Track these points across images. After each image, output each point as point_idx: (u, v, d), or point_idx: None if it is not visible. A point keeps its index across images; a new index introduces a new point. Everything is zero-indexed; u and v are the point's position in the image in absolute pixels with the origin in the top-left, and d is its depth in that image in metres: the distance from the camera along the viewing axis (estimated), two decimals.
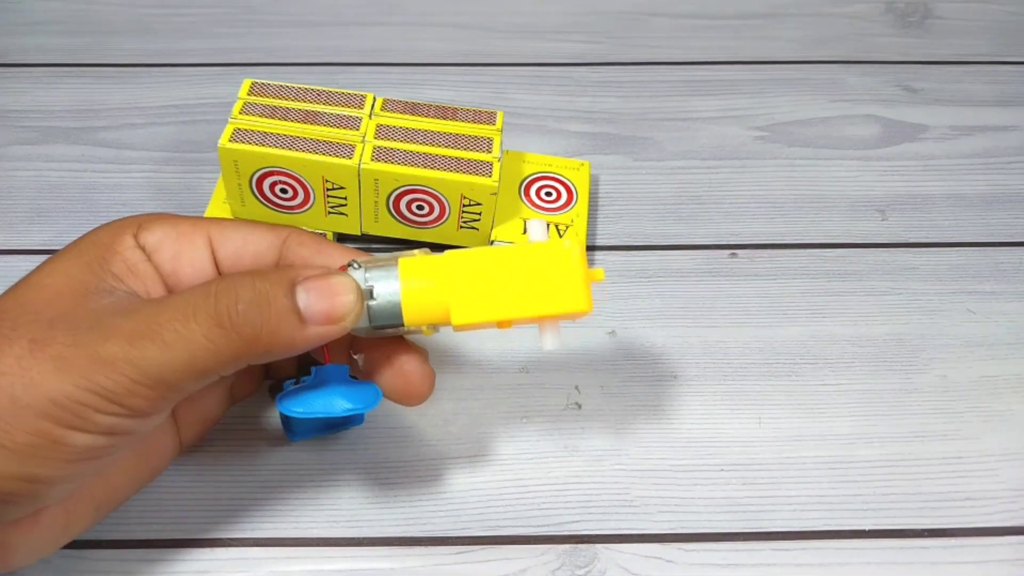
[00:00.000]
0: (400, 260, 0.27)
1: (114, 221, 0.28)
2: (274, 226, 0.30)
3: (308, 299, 0.25)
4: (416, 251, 0.28)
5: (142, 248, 0.28)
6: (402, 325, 0.27)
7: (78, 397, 0.24)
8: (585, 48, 0.53)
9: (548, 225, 0.28)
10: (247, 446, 0.35)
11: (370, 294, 0.26)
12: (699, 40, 0.53)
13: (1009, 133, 0.49)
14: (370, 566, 0.32)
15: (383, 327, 0.27)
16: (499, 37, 0.53)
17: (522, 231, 0.40)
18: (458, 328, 0.27)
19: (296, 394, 0.29)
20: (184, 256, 0.28)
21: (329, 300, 0.25)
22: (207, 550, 0.32)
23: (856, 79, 0.51)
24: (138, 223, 0.28)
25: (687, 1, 0.56)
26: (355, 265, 0.27)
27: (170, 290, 0.28)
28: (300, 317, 0.25)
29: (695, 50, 0.53)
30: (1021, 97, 0.51)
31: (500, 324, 0.27)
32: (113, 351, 0.24)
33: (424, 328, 0.27)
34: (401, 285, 0.26)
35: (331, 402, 0.28)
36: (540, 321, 0.27)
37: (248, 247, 0.29)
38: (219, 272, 0.29)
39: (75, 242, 0.28)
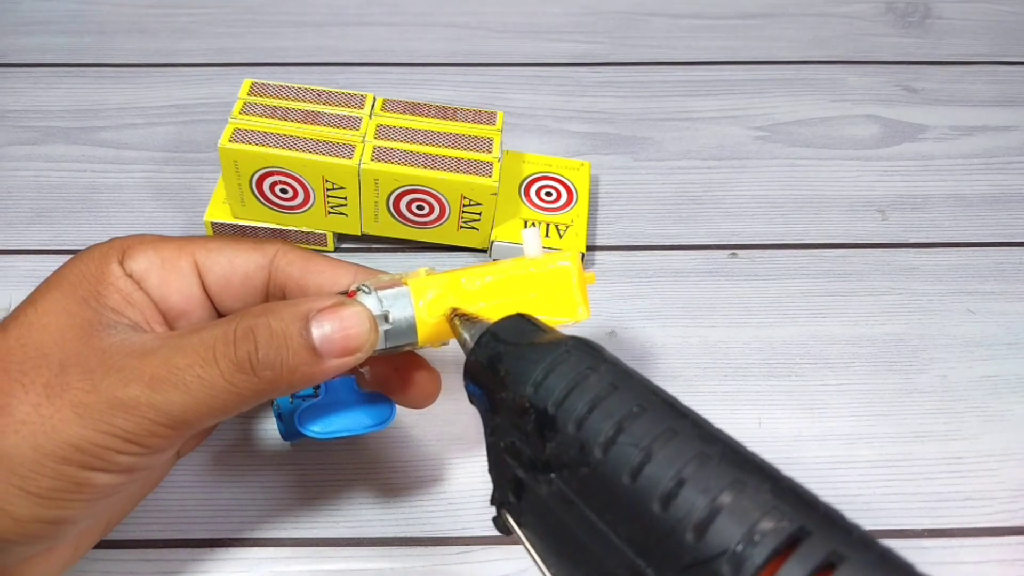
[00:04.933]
0: (409, 282, 0.27)
1: (95, 248, 0.28)
2: (260, 243, 0.29)
3: (323, 333, 0.25)
4: (420, 269, 0.28)
5: (130, 277, 0.27)
6: (416, 345, 0.27)
7: (99, 441, 0.24)
8: (585, 48, 0.53)
9: (539, 230, 0.29)
10: (247, 446, 0.35)
11: (385, 319, 0.26)
12: (699, 40, 0.53)
13: (1009, 133, 0.49)
14: (370, 566, 0.32)
15: (394, 347, 0.27)
16: (499, 37, 0.53)
17: (522, 231, 0.40)
18: None
19: (314, 413, 0.29)
20: (171, 284, 0.28)
21: (344, 333, 0.25)
22: (207, 550, 0.32)
23: (856, 79, 0.51)
24: (121, 249, 0.28)
25: (687, 1, 0.56)
26: (364, 289, 0.27)
27: (164, 316, 0.28)
28: (317, 353, 0.25)
29: (695, 50, 0.53)
30: (1021, 97, 0.51)
31: None
32: (133, 395, 0.24)
33: (434, 344, 0.28)
34: (415, 308, 0.27)
35: (352, 420, 0.29)
36: None
37: (236, 269, 0.29)
38: (208, 297, 0.29)
39: (61, 274, 0.27)
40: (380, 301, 0.26)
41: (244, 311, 0.26)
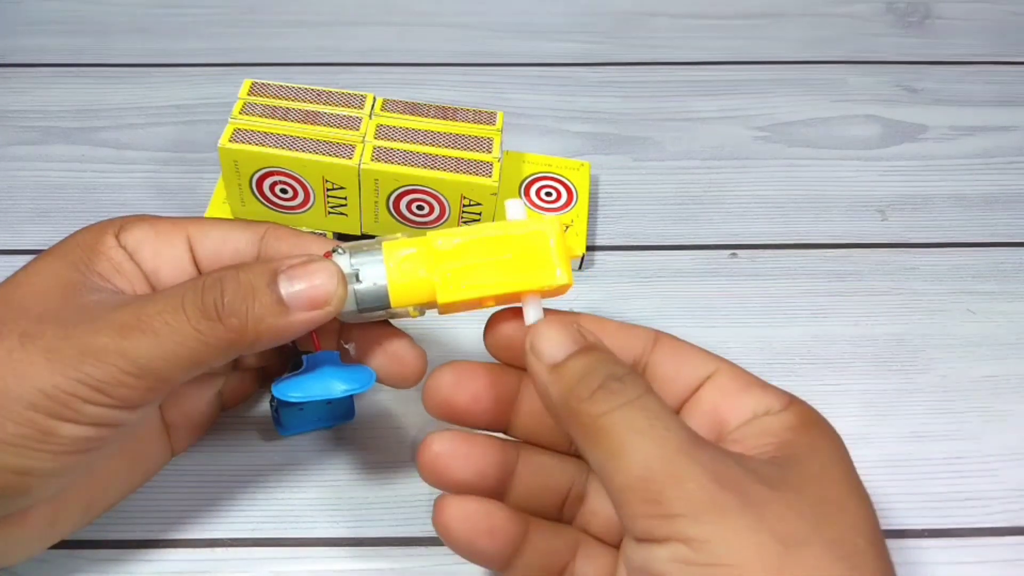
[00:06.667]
0: (384, 243, 0.27)
1: (95, 224, 0.29)
2: (252, 223, 0.30)
3: (291, 287, 0.26)
4: (399, 235, 0.28)
5: (124, 248, 0.28)
6: (389, 307, 0.27)
7: (68, 388, 0.24)
8: (585, 48, 0.53)
9: (522, 201, 0.29)
10: (246, 446, 0.35)
11: (356, 278, 0.27)
12: (699, 40, 0.53)
13: (1009, 133, 0.49)
14: (370, 566, 0.32)
15: (370, 310, 0.27)
16: (499, 37, 0.53)
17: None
18: (444, 308, 0.27)
19: (291, 380, 0.29)
20: (164, 255, 0.29)
21: (311, 287, 0.26)
22: (207, 550, 0.32)
23: (856, 79, 0.51)
24: (119, 224, 0.29)
25: (687, 1, 0.56)
26: (339, 251, 0.27)
27: (153, 288, 0.29)
28: (284, 305, 0.26)
29: (695, 50, 0.53)
30: (1021, 97, 0.51)
31: (484, 302, 0.27)
32: (103, 342, 0.24)
33: (411, 310, 0.28)
34: (386, 267, 0.27)
35: (328, 385, 0.29)
36: (523, 297, 0.27)
37: (227, 244, 0.29)
38: (199, 270, 0.29)
39: (58, 244, 0.28)
40: (352, 262, 0.27)
41: (218, 268, 0.27)
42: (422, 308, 0.28)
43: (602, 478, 0.23)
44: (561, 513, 0.29)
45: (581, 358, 0.24)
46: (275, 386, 0.29)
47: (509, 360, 0.29)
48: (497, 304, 0.28)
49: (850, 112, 0.50)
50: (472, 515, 0.27)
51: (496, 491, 0.28)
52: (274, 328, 0.26)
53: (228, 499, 0.33)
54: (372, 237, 0.41)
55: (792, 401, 0.26)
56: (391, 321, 0.30)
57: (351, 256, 0.27)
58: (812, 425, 0.25)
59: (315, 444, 0.35)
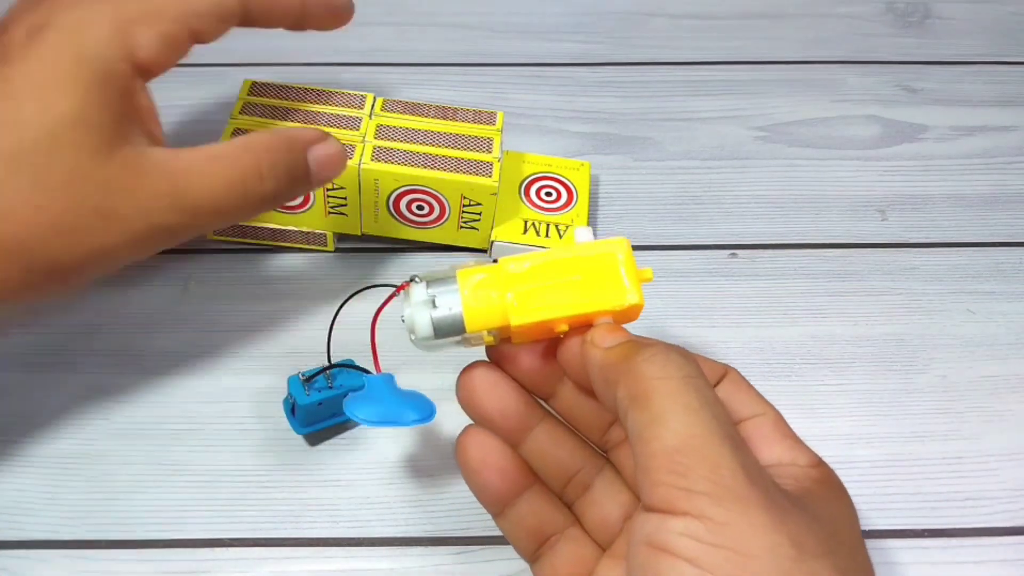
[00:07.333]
0: (458, 271, 0.28)
1: (104, 41, 0.30)
2: None
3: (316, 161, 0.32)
4: (470, 260, 0.29)
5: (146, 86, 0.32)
6: (464, 332, 0.28)
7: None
8: (585, 48, 0.53)
9: (590, 229, 0.29)
10: (246, 446, 0.35)
11: (432, 304, 0.27)
12: (699, 40, 0.53)
13: (1009, 133, 0.49)
14: (370, 566, 0.32)
15: (446, 335, 0.28)
16: (499, 37, 0.53)
17: (522, 231, 0.40)
18: (516, 331, 0.27)
19: (362, 402, 0.30)
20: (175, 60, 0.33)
21: (330, 166, 0.33)
22: (207, 550, 0.32)
23: (856, 79, 0.52)
24: (129, 37, 0.31)
25: (687, 1, 0.56)
26: (416, 280, 0.28)
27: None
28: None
29: (695, 50, 0.53)
30: (1021, 97, 0.51)
31: (556, 326, 0.28)
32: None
33: (485, 335, 0.28)
34: (460, 293, 0.27)
35: (401, 413, 0.30)
36: (595, 319, 0.28)
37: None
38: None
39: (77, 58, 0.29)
40: (429, 291, 0.27)
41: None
42: (496, 334, 0.28)
43: (636, 443, 0.23)
44: (563, 493, 0.29)
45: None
46: (347, 405, 0.29)
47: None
48: (570, 327, 0.28)
49: (849, 112, 0.50)
50: (491, 449, 0.28)
51: (512, 437, 0.29)
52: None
53: (228, 499, 0.33)
54: (372, 235, 0.41)
55: (821, 463, 0.27)
56: None
57: (428, 286, 0.28)
58: (834, 485, 0.26)
59: (315, 444, 0.35)
